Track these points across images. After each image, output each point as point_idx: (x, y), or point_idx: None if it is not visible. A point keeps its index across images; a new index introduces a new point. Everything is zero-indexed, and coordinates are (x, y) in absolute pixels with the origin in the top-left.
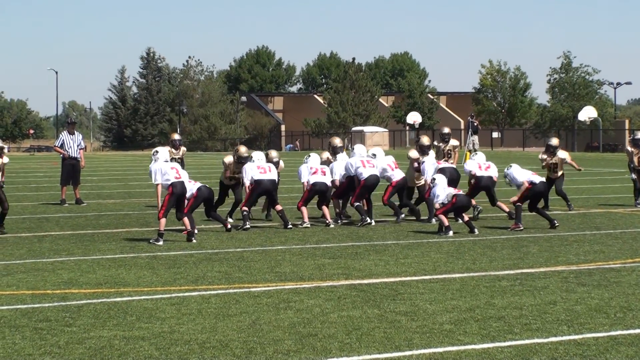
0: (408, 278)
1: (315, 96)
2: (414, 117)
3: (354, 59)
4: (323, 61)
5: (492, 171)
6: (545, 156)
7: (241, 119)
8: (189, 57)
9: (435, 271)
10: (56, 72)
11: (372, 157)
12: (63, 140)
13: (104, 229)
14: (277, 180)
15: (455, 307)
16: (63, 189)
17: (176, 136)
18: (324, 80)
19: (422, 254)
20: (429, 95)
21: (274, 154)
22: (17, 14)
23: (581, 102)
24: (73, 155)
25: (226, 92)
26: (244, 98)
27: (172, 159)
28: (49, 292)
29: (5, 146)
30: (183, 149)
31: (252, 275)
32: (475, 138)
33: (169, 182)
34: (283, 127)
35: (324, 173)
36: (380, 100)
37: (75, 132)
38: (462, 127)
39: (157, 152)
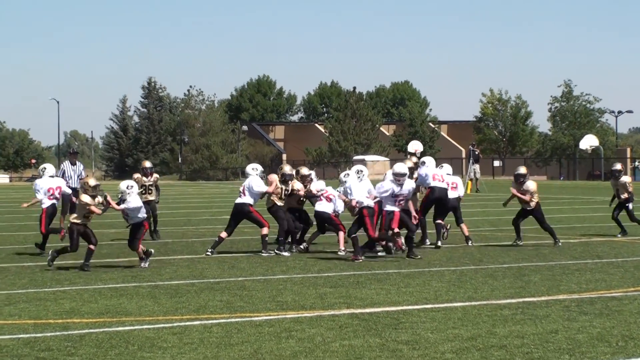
0: (409, 307)
1: (317, 125)
2: (415, 146)
3: (354, 87)
4: (324, 90)
5: (459, 190)
6: (514, 186)
7: (242, 148)
8: (190, 86)
9: (436, 300)
10: (58, 102)
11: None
12: (64, 170)
13: (106, 258)
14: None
15: (457, 336)
16: (61, 218)
17: (147, 164)
18: (325, 109)
19: (424, 282)
20: (430, 124)
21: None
22: (19, 44)
23: (582, 131)
24: (73, 185)
25: (227, 121)
26: (245, 127)
27: (142, 186)
28: (51, 321)
29: None
30: (155, 176)
31: (254, 305)
32: (477, 167)
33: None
34: (284, 156)
35: (329, 200)
36: (381, 129)
37: (77, 162)
38: (464, 155)
39: (45, 168)
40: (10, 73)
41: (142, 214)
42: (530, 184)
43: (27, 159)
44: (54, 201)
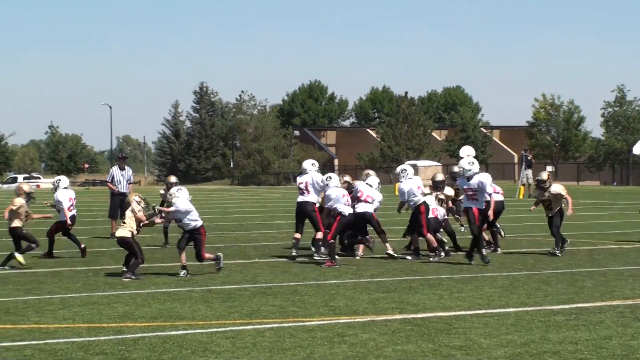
0: (462, 312)
1: (368, 130)
2: (467, 151)
3: (406, 92)
4: (375, 95)
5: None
6: (537, 193)
7: (294, 153)
8: (242, 91)
9: (489, 305)
10: (110, 107)
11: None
12: (113, 174)
13: (159, 262)
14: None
15: (510, 342)
16: (112, 222)
17: (172, 179)
18: (376, 114)
19: (476, 288)
20: (482, 129)
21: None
22: (72, 49)
23: (636, 136)
24: (122, 190)
25: (279, 126)
26: (297, 132)
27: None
28: (104, 325)
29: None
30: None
31: (307, 309)
32: (529, 172)
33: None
34: (336, 162)
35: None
36: (433, 134)
37: (126, 167)
38: (516, 160)
39: (59, 180)
40: (63, 78)
41: (194, 219)
42: (557, 187)
43: (80, 163)
44: (74, 212)
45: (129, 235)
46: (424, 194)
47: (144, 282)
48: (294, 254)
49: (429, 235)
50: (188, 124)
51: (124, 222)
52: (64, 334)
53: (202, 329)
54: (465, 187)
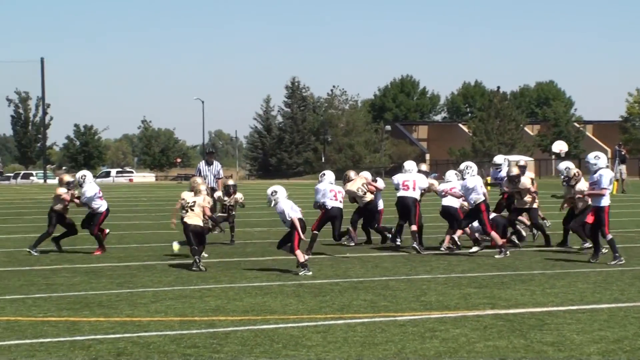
0: (555, 308)
1: (460, 125)
2: (560, 146)
3: (498, 87)
4: (467, 90)
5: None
6: (510, 186)
7: (385, 147)
8: (334, 86)
9: (582, 301)
10: (202, 102)
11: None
12: (200, 169)
13: (251, 256)
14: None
15: (603, 338)
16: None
17: (230, 181)
18: (468, 109)
19: (569, 284)
20: (575, 124)
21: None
22: (165, 45)
23: None
24: (210, 185)
25: (370, 121)
26: (388, 127)
27: (223, 206)
28: (196, 319)
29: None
30: (237, 196)
31: (398, 304)
32: (623, 167)
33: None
34: (428, 156)
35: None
36: (525, 129)
37: (214, 161)
38: (609, 156)
39: (85, 176)
40: (156, 73)
41: (296, 212)
42: (526, 181)
43: (172, 158)
44: (106, 203)
45: (201, 224)
46: (484, 194)
47: (236, 276)
48: (398, 242)
49: (493, 233)
50: (280, 118)
51: (193, 210)
52: (157, 327)
53: (293, 323)
54: (589, 181)
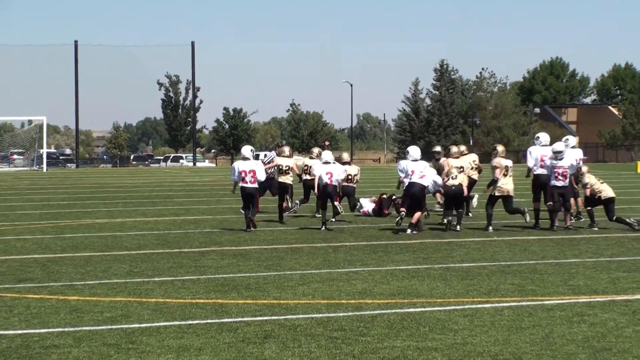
0: None
1: (610, 107)
2: None
3: None
4: (618, 72)
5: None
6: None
7: (534, 130)
8: (482, 68)
9: None
10: (351, 85)
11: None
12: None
13: (397, 240)
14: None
15: None
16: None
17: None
18: (618, 91)
19: None
20: None
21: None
22: (314, 28)
23: None
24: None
25: (519, 103)
26: (537, 110)
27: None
28: (343, 302)
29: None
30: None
31: (546, 288)
32: None
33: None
34: (577, 139)
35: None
36: None
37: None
38: None
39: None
40: (305, 56)
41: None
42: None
43: (320, 140)
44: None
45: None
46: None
47: (383, 260)
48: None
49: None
50: (428, 101)
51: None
52: (304, 309)
53: (440, 307)
54: None
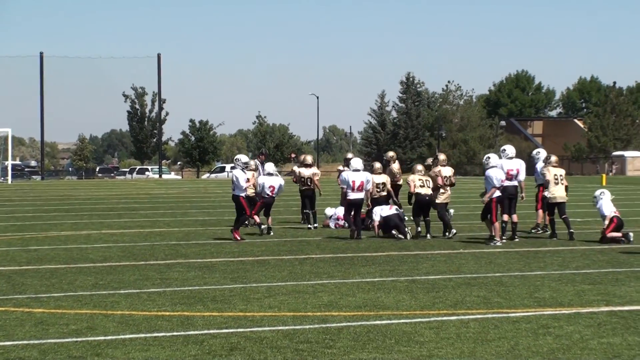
0: None
1: (576, 120)
2: None
3: (614, 82)
4: (583, 85)
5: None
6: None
7: (500, 143)
8: (448, 81)
9: None
10: (317, 97)
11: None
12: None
13: (364, 252)
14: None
15: None
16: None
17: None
18: (584, 104)
19: None
20: None
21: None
22: (280, 41)
23: None
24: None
25: (485, 116)
26: (503, 122)
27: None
28: (309, 314)
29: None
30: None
31: (511, 301)
32: None
33: None
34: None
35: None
36: None
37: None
38: None
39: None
40: (271, 69)
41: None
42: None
43: (286, 153)
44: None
45: None
46: None
47: (349, 272)
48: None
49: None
50: (394, 114)
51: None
52: (270, 322)
53: (406, 319)
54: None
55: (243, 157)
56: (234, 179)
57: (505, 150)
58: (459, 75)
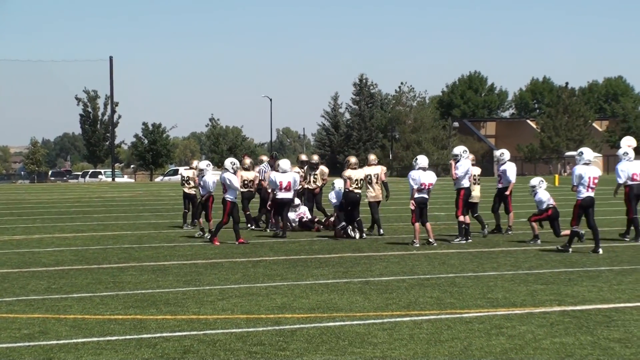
0: (622, 305)
1: (528, 121)
2: (629, 142)
3: (567, 83)
4: (536, 86)
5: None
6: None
7: (453, 144)
8: (402, 83)
9: None
10: (270, 100)
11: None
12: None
13: (317, 254)
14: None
15: None
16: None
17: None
18: (536, 105)
19: (637, 280)
20: None
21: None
22: (232, 43)
23: None
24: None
25: (438, 117)
26: (456, 124)
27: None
28: (263, 316)
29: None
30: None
31: (464, 301)
32: None
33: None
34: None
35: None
36: (594, 125)
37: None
38: None
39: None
40: (224, 71)
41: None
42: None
43: (240, 155)
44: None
45: None
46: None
47: (302, 274)
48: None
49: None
50: (347, 115)
51: None
52: (223, 324)
53: (359, 321)
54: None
55: (227, 162)
56: (227, 182)
57: (466, 151)
58: (412, 77)
